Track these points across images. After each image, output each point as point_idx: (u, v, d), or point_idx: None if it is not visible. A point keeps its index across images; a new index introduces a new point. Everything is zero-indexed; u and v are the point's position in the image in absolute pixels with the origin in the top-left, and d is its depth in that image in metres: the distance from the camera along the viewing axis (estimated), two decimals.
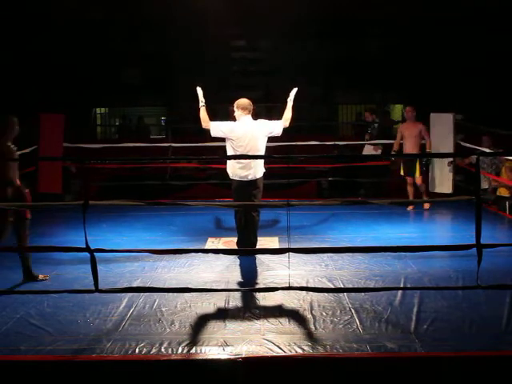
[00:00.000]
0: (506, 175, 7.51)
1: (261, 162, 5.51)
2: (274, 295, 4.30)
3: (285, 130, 5.75)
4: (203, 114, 5.59)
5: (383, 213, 7.32)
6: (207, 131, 5.67)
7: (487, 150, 7.39)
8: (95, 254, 3.53)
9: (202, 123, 5.59)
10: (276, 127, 5.57)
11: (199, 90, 5.66)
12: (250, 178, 5.45)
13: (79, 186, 8.86)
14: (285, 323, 3.84)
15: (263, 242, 5.77)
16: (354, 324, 3.81)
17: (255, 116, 5.66)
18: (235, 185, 5.55)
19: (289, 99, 5.63)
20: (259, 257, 5.41)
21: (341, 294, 4.33)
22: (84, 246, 3.52)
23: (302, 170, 9.81)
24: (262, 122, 5.59)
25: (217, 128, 5.52)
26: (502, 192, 7.66)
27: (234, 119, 5.63)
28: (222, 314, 3.98)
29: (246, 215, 5.52)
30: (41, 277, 4.81)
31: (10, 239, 5.58)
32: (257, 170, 5.47)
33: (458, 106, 9.11)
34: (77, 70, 12.23)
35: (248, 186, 5.47)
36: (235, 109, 5.56)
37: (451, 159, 7.90)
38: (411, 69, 12.45)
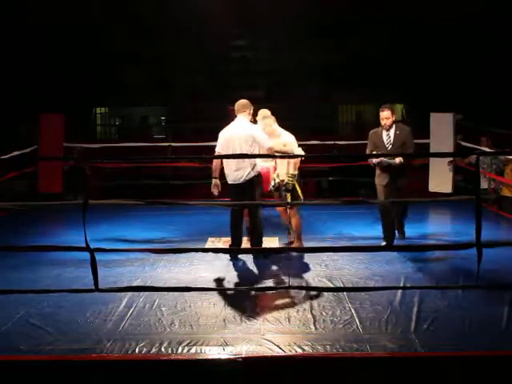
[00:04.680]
0: (510, 175, 7.50)
1: (248, 163, 5.42)
2: (274, 295, 4.30)
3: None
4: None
5: None
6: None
7: (487, 150, 7.39)
8: (95, 253, 3.53)
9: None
10: (260, 144, 5.44)
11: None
12: (241, 180, 5.42)
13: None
14: (285, 323, 3.84)
15: (263, 241, 5.77)
16: (354, 324, 3.81)
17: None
18: (230, 187, 5.54)
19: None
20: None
21: (341, 294, 4.32)
22: (84, 246, 3.52)
23: (302, 169, 9.80)
24: (252, 129, 5.50)
25: (218, 147, 5.57)
26: (506, 192, 7.66)
27: (233, 119, 5.65)
28: (222, 314, 3.98)
29: (250, 218, 5.53)
30: None
31: (9, 237, 5.60)
32: (246, 171, 5.41)
33: (458, 106, 9.10)
34: (77, 70, 12.23)
35: (240, 188, 5.43)
36: None
37: (451, 159, 7.90)
38: (411, 69, 12.45)
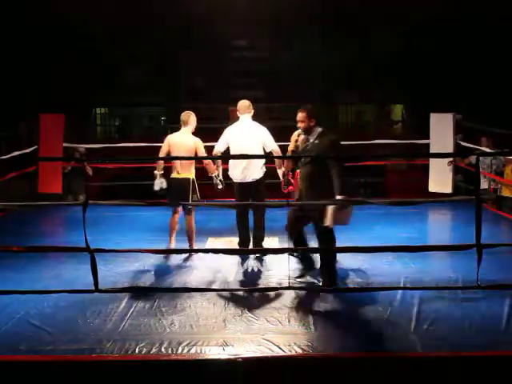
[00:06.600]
0: (510, 176, 7.49)
1: (258, 163, 5.48)
2: (274, 295, 4.30)
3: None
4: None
5: (383, 213, 7.31)
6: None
7: (487, 150, 7.39)
8: (95, 253, 3.53)
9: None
10: (270, 146, 5.52)
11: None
12: (248, 180, 5.47)
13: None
14: (285, 323, 3.84)
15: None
16: (354, 324, 3.80)
17: (255, 116, 5.66)
18: (236, 187, 5.57)
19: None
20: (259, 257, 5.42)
21: (341, 294, 4.32)
22: (84, 246, 3.52)
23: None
24: (261, 130, 5.55)
25: (220, 144, 5.56)
26: (506, 192, 7.65)
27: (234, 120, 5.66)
28: (222, 314, 3.99)
29: (253, 217, 5.55)
30: None
31: (9, 237, 5.59)
32: (254, 171, 5.46)
33: (458, 106, 9.10)
34: (76, 70, 12.23)
35: (248, 188, 5.48)
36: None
37: (451, 159, 7.89)
38: (411, 69, 12.45)
